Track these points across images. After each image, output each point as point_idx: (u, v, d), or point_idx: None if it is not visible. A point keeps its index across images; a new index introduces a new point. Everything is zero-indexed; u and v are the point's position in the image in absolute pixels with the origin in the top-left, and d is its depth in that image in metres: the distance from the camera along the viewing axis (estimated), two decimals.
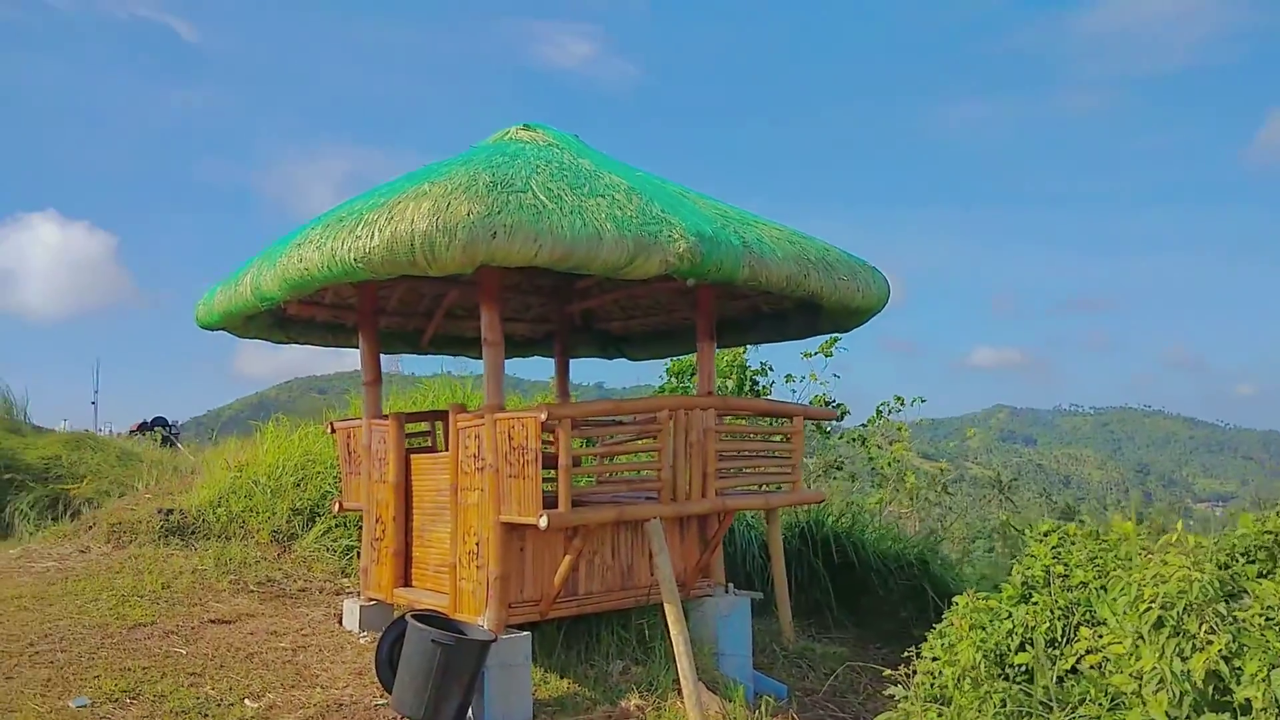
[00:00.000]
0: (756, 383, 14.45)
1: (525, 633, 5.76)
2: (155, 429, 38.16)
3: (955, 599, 4.73)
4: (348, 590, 7.89)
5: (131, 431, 36.41)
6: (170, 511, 8.93)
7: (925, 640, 4.97)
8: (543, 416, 5.44)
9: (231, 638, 6.31)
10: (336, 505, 7.62)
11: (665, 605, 5.71)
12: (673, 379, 15.61)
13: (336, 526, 8.79)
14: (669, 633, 5.94)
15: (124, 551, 8.47)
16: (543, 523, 5.38)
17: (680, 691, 5.60)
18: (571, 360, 9.04)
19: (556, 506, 5.51)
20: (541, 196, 5.29)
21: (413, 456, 6.92)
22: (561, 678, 6.04)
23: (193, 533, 8.77)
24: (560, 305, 8.56)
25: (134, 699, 5.08)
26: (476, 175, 5.31)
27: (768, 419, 7.44)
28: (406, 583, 6.83)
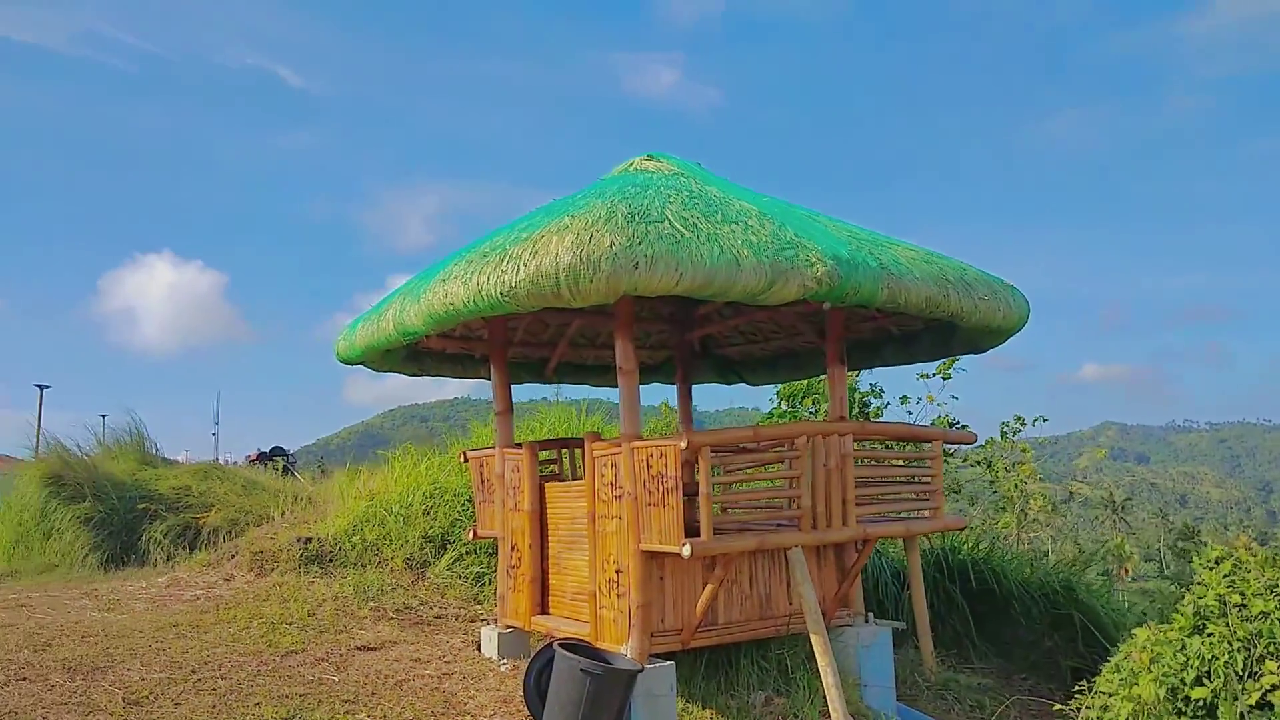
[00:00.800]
0: (868, 405, 14.20)
1: (669, 662, 5.74)
2: (274, 458, 39.67)
3: (1135, 631, 4.50)
4: (483, 617, 8.00)
5: (251, 461, 37.91)
6: (308, 540, 9.22)
7: (1078, 672, 4.77)
8: (683, 444, 5.43)
9: (379, 665, 6.45)
10: (471, 533, 7.75)
11: (811, 635, 5.61)
12: (783, 403, 15.48)
13: (467, 554, 8.94)
14: (811, 663, 5.84)
15: (267, 580, 8.77)
16: (685, 551, 5.36)
17: None
18: (655, 384, 9.01)
19: (698, 535, 5.49)
20: (678, 225, 5.31)
21: (547, 484, 7.00)
22: (703, 708, 5.98)
23: (330, 560, 9.03)
24: (680, 332, 8.56)
25: None
26: (615, 207, 5.37)
27: (904, 444, 7.28)
28: (544, 610, 6.89)
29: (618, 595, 5.93)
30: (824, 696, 5.62)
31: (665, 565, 5.94)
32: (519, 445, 7.17)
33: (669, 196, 5.79)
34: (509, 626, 7.14)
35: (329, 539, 9.33)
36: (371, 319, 6.68)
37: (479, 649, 7.22)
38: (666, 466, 5.54)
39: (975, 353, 7.34)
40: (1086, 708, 4.92)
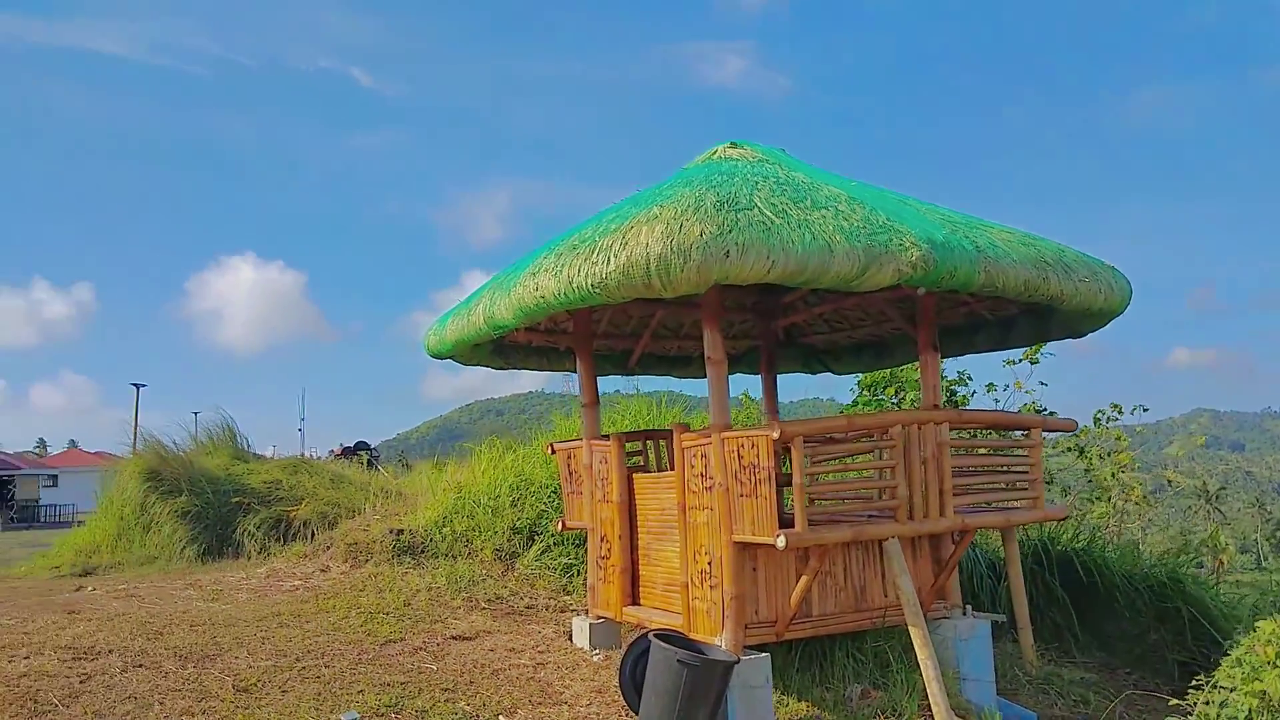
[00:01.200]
0: (954, 393, 13.91)
1: (764, 654, 5.69)
2: (359, 452, 40.60)
3: (1257, 624, 4.31)
4: (572, 607, 8.06)
5: (335, 455, 38.83)
6: (400, 532, 9.40)
7: (1186, 666, 4.59)
8: (775, 434, 5.37)
9: (475, 654, 6.54)
10: (559, 524, 7.80)
11: (910, 628, 5.51)
12: (865, 393, 15.25)
13: (555, 545, 9.02)
14: (908, 656, 5.74)
15: (361, 570, 8.97)
16: (780, 543, 5.30)
17: (929, 717, 5.39)
18: (735, 375, 8.93)
19: (791, 526, 5.43)
20: (768, 212, 5.25)
21: (635, 476, 7.01)
22: (799, 700, 5.92)
23: (422, 551, 9.20)
24: (765, 322, 8.48)
25: (397, 713, 5.33)
26: (703, 195, 5.33)
27: (993, 433, 7.10)
28: (634, 601, 6.90)
29: (710, 586, 5.91)
30: (923, 690, 5.53)
31: (758, 556, 5.90)
32: (606, 437, 7.20)
33: (756, 183, 5.72)
34: (600, 617, 7.18)
35: (419, 530, 9.50)
36: (461, 313, 6.76)
37: (571, 639, 7.27)
38: (759, 457, 5.49)
39: (1074, 337, 7.12)
40: (1204, 703, 4.74)
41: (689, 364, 9.11)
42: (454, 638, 6.92)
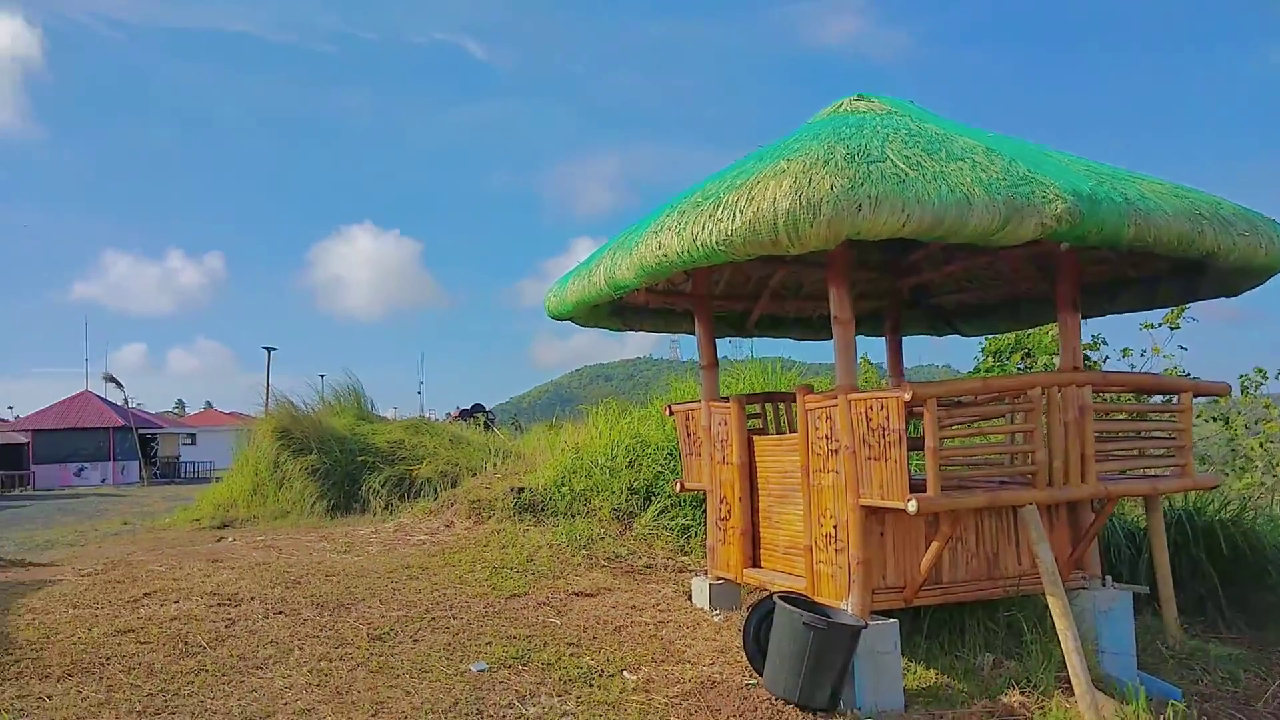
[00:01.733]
0: (1087, 357, 13.31)
1: (893, 620, 5.57)
2: (475, 414, 41.61)
3: None
4: (690, 568, 8.07)
5: (453, 417, 39.93)
6: (521, 490, 9.58)
7: None
8: (906, 396, 5.20)
9: (597, 610, 6.61)
10: (678, 485, 7.79)
11: (1048, 597, 5.29)
12: (989, 358, 14.74)
13: (672, 506, 9.03)
14: (1043, 626, 5.53)
15: (484, 527, 9.18)
16: (911, 507, 5.15)
17: (1066, 690, 5.19)
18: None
19: (922, 490, 5.26)
20: (901, 164, 5.04)
21: (755, 438, 6.93)
22: (927, 668, 5.79)
23: (542, 509, 9.35)
24: (891, 281, 8.23)
25: (524, 665, 5.43)
26: (832, 148, 5.16)
27: (1144, 396, 6.73)
28: (755, 563, 6.85)
29: (835, 550, 5.80)
30: (1060, 662, 5.32)
31: (885, 521, 5.75)
32: (725, 399, 7.13)
33: (887, 135, 5.51)
34: (720, 578, 7.16)
35: (539, 489, 9.65)
36: (582, 274, 6.77)
37: (690, 599, 7.28)
38: (889, 419, 5.33)
39: (1228, 295, 6.66)
40: None
41: (807, 325, 8.94)
42: (576, 594, 7.01)
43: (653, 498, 9.21)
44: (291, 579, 7.00)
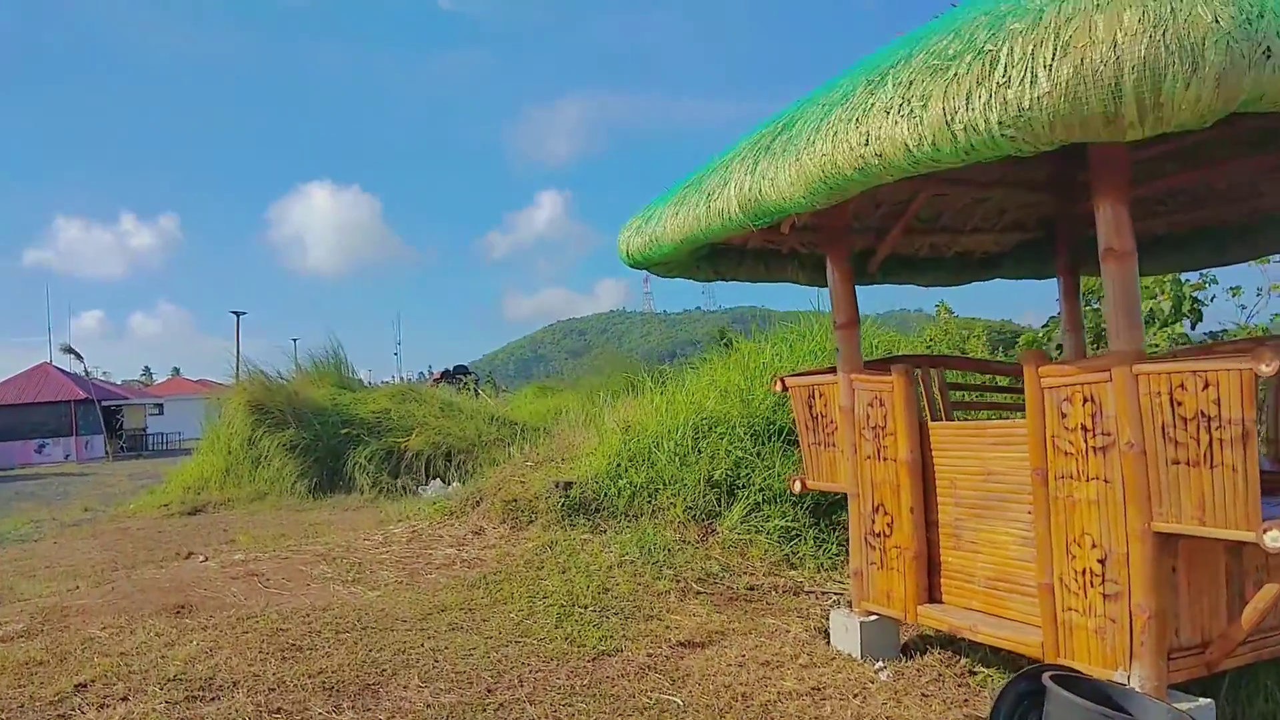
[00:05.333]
0: (1194, 300, 11.48)
1: (1206, 700, 3.72)
2: (458, 377, 39.48)
3: None
4: (806, 588, 6.19)
5: (435, 380, 37.81)
6: (569, 486, 7.61)
7: None
8: (1266, 367, 3.28)
9: (719, 671, 4.71)
10: (797, 484, 5.86)
11: None
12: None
13: (765, 503, 7.12)
14: None
15: (525, 534, 7.23)
16: (1272, 540, 3.27)
17: None
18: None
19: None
20: None
21: (933, 426, 5.00)
22: None
23: (595, 510, 7.41)
24: (1065, 204, 6.24)
25: None
26: None
27: None
28: (931, 597, 4.97)
29: (1102, 595, 3.91)
30: None
31: (1179, 552, 3.86)
32: (882, 367, 5.20)
33: None
34: (872, 613, 5.26)
35: (588, 483, 7.70)
36: (690, 203, 4.77)
37: (828, 640, 5.40)
38: (1220, 403, 3.41)
39: None
40: None
41: (940, 267, 6.97)
42: (683, 644, 5.09)
43: (736, 492, 7.28)
44: (288, 642, 5.00)
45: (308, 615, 5.45)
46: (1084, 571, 3.99)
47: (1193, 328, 11.37)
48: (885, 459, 5.11)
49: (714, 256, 6.06)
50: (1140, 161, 5.65)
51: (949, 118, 3.07)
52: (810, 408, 5.74)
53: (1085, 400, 3.92)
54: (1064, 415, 4.04)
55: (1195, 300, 11.32)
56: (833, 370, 5.63)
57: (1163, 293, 11.44)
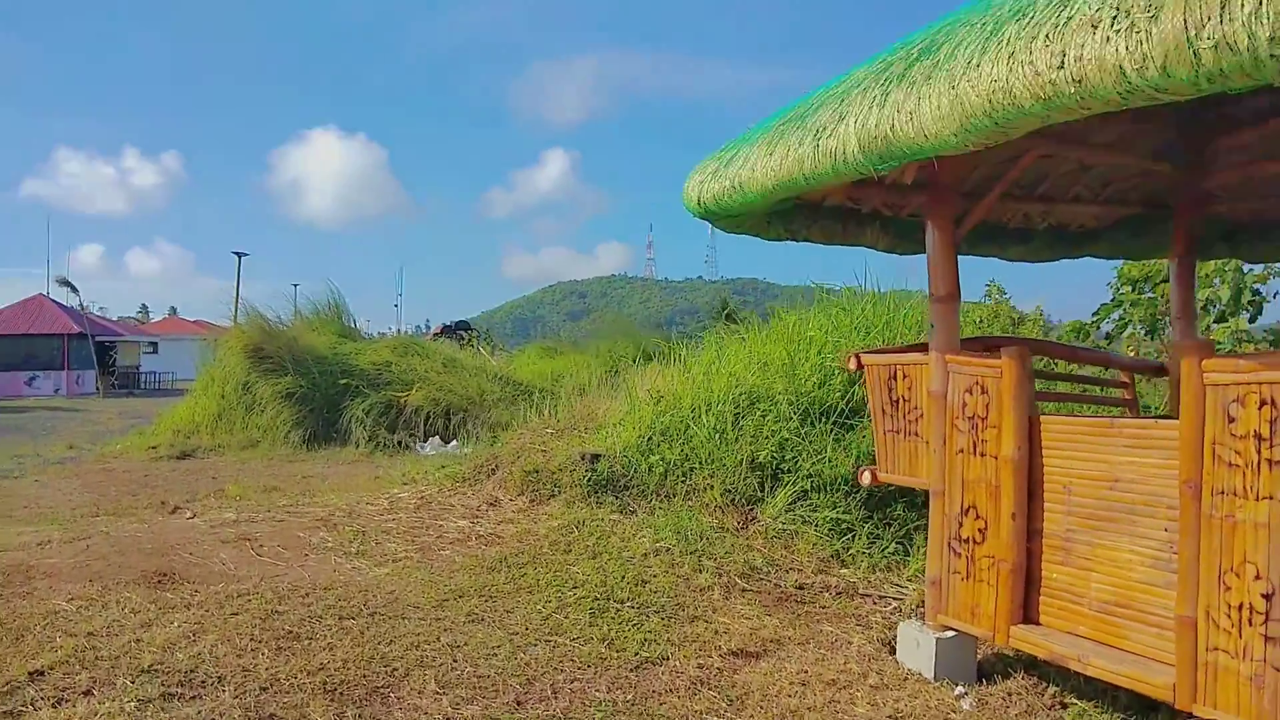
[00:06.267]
0: (1256, 292, 10.79)
1: None
2: (459, 332, 38.74)
3: None
4: (862, 590, 5.53)
5: (435, 335, 37.10)
6: (596, 458, 6.92)
7: None
8: None
9: (779, 690, 4.06)
10: (866, 475, 5.18)
11: None
12: (1126, 287, 12.20)
13: (812, 490, 6.44)
14: None
15: (547, 510, 6.56)
16: None
17: None
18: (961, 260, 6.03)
19: None
20: None
21: (1045, 420, 4.31)
22: None
23: (624, 488, 6.74)
24: (1189, 176, 5.49)
25: None
26: None
27: None
28: (1027, 616, 4.31)
29: (1263, 637, 3.25)
30: None
31: None
32: (986, 349, 4.51)
33: None
34: (950, 629, 4.61)
35: (617, 456, 7.01)
36: (783, 146, 4.05)
37: (892, 652, 4.75)
38: None
39: None
40: None
41: (1029, 241, 6.25)
42: (734, 653, 4.44)
43: (780, 477, 6.61)
44: (284, 628, 4.31)
45: (307, 595, 4.77)
46: (1241, 607, 3.33)
47: (1252, 321, 10.69)
48: (983, 454, 4.42)
49: (786, 212, 5.34)
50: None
51: (1192, 32, 2.34)
52: (890, 390, 5.05)
53: (1263, 404, 3.23)
54: (1231, 419, 3.35)
55: (1256, 292, 10.64)
56: (918, 348, 4.95)
57: (1222, 280, 10.75)
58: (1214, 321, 10.31)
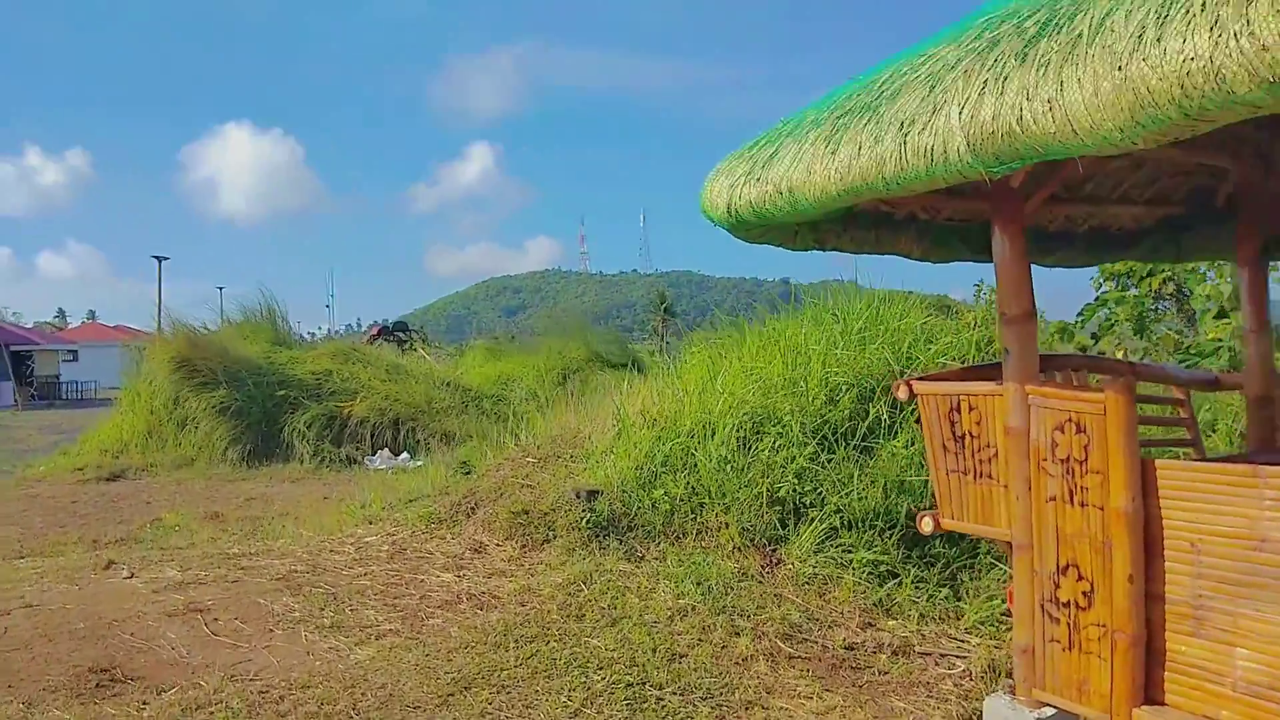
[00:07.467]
0: None
1: None
2: (397, 334, 37.39)
3: None
4: (917, 648, 4.87)
5: (372, 338, 35.74)
6: (593, 495, 6.16)
7: None
8: None
9: None
10: (927, 521, 4.51)
11: None
12: (1109, 283, 11.84)
13: (842, 527, 5.77)
14: None
15: (542, 558, 5.78)
16: None
17: None
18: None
19: None
20: None
21: (1161, 464, 3.67)
22: None
23: (628, 528, 5.99)
24: (1263, 173, 4.92)
25: None
26: None
27: None
28: (1149, 697, 3.68)
29: None
30: None
31: None
32: (1077, 381, 3.86)
33: None
34: (1051, 706, 3.97)
35: (615, 490, 6.26)
36: (853, 144, 3.33)
37: None
38: None
39: None
40: None
41: (1069, 245, 5.64)
42: None
43: (802, 512, 5.93)
44: None
45: (281, 701, 3.90)
46: None
47: None
48: (1083, 504, 3.77)
49: (815, 220, 4.63)
50: None
51: None
52: (953, 425, 4.38)
53: None
54: None
55: None
56: (983, 373, 4.30)
57: (1218, 275, 10.41)
58: (1214, 318, 9.95)
